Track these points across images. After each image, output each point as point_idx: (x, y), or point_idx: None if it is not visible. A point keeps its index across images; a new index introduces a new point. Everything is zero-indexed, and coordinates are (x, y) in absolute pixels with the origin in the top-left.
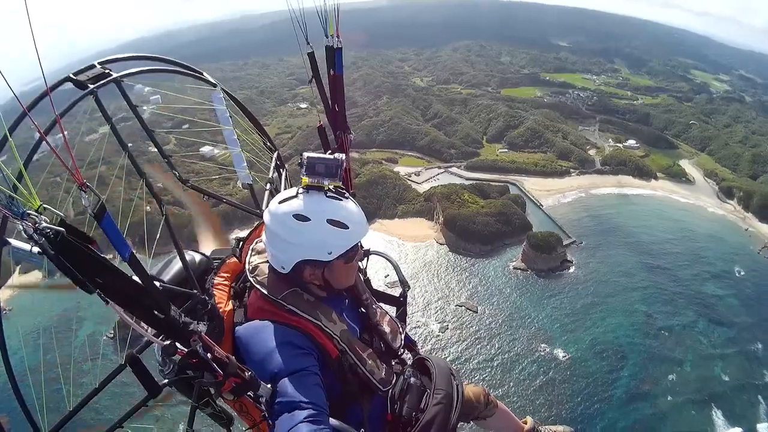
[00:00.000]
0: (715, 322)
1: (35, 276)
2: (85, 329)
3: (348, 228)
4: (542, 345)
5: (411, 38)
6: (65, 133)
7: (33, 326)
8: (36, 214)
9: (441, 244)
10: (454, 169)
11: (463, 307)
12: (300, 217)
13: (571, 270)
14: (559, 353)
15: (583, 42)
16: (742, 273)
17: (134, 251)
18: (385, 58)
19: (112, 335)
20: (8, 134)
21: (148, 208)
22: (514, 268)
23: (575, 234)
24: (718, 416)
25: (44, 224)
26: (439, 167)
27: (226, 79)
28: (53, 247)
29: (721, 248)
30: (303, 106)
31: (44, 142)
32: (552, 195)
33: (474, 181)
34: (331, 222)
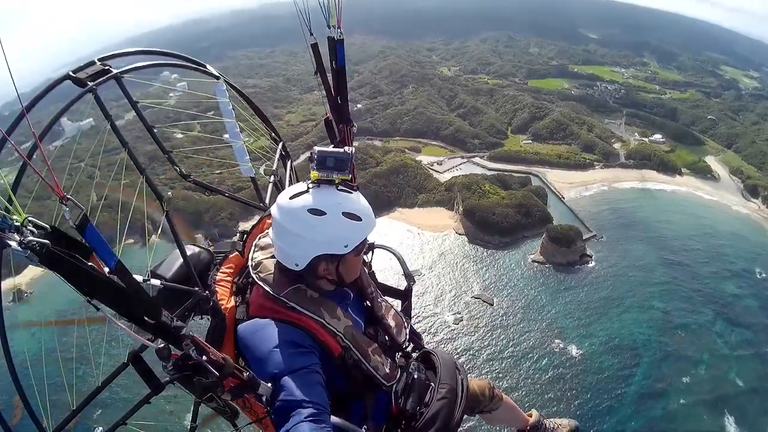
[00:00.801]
0: (732, 323)
1: None
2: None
3: (361, 220)
4: (556, 340)
5: (440, 28)
6: (44, 151)
7: (51, 309)
8: (22, 227)
9: (460, 234)
10: (477, 160)
11: (479, 300)
12: (315, 212)
13: (591, 264)
14: (573, 349)
15: (613, 34)
16: (764, 274)
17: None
18: (413, 48)
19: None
20: None
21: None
22: (533, 261)
23: (596, 228)
24: (729, 422)
25: (29, 237)
26: (462, 157)
27: (252, 67)
28: (40, 259)
29: (743, 247)
30: None
31: (38, 148)
32: (574, 187)
33: (496, 172)
34: (346, 215)
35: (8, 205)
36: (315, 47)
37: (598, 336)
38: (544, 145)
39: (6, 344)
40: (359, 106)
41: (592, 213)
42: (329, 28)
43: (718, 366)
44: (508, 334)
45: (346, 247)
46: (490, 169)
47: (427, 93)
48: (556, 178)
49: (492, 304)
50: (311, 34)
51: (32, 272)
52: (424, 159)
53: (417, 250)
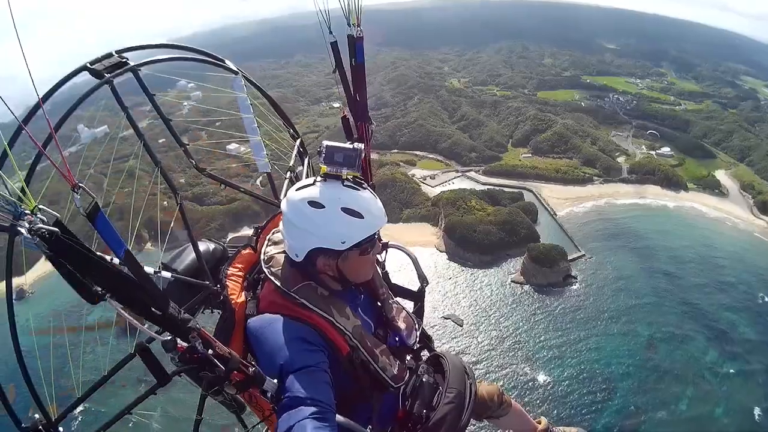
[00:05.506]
0: (726, 355)
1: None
2: (95, 314)
3: (363, 218)
4: (523, 365)
5: (455, 39)
6: (57, 138)
7: (49, 309)
8: (32, 215)
9: (441, 251)
10: (471, 174)
11: (448, 320)
12: (314, 204)
13: (575, 286)
14: (540, 377)
15: (631, 44)
16: (767, 299)
17: (133, 247)
18: (425, 59)
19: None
20: (8, 149)
21: (165, 203)
22: (512, 282)
23: (586, 246)
24: None
25: (39, 225)
26: (457, 171)
27: (266, 78)
28: (48, 247)
29: (747, 270)
30: (335, 105)
31: (44, 142)
32: (569, 203)
33: (487, 187)
34: (345, 210)
35: (21, 195)
36: (334, 45)
37: (572, 365)
38: (544, 158)
39: (15, 336)
40: None
41: (584, 230)
42: (349, 27)
43: (704, 404)
44: (472, 356)
45: (343, 243)
46: (483, 184)
47: (430, 105)
48: (551, 193)
49: (461, 325)
50: (330, 32)
51: (37, 273)
52: (419, 173)
53: (390, 267)
